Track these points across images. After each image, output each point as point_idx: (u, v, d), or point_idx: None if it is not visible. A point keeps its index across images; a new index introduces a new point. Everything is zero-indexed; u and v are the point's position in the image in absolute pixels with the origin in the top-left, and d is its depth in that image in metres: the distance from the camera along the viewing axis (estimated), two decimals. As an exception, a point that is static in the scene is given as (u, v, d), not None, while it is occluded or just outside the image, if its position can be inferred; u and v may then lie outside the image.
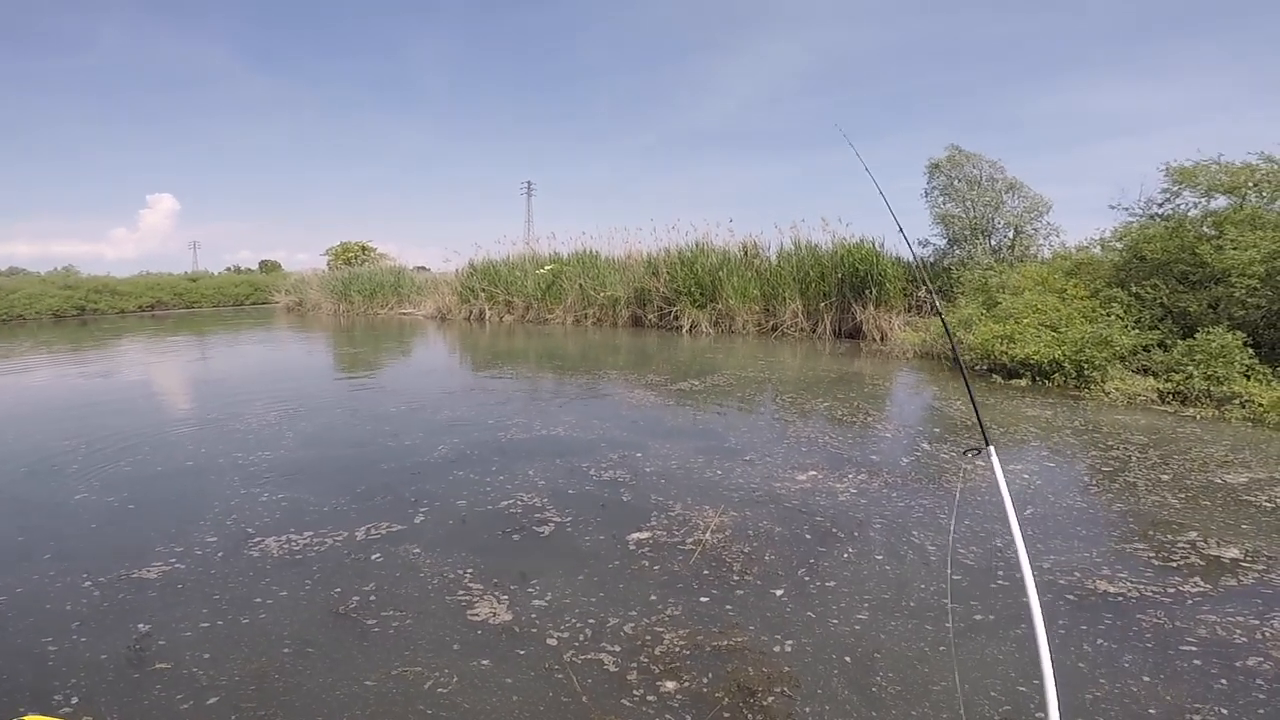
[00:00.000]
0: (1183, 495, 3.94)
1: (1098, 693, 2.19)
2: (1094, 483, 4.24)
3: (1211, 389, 6.50)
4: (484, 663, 2.35)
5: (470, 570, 3.06)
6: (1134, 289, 8.44)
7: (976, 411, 1.93)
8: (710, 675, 2.16)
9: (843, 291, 13.18)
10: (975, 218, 13.75)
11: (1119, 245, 10.01)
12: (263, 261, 44.49)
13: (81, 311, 23.25)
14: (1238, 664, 2.33)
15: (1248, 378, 6.58)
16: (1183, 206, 9.06)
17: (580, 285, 16.04)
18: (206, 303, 27.59)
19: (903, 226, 2.95)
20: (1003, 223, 13.89)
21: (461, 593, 2.83)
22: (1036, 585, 2.89)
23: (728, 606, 2.73)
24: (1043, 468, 4.61)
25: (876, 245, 13.34)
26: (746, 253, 14.33)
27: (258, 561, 3.20)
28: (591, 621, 2.62)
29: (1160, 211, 9.30)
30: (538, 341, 13.53)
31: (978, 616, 2.71)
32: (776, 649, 2.36)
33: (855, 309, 12.93)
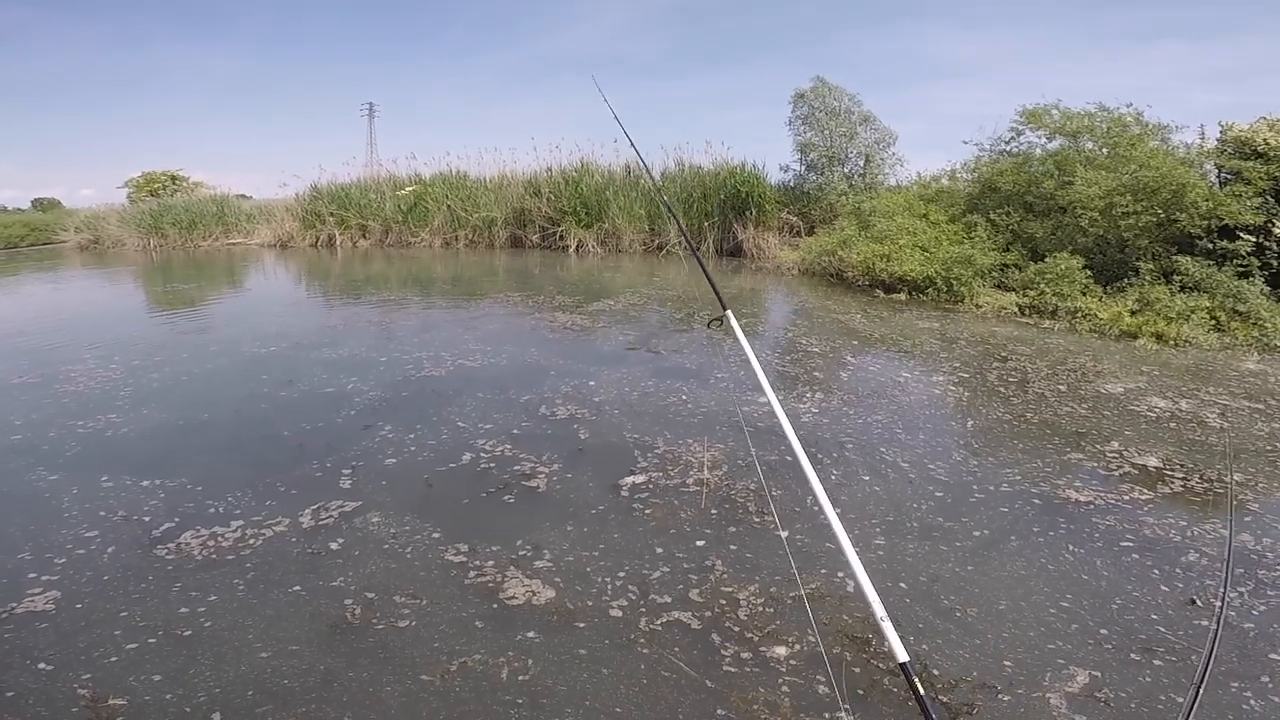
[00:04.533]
0: (1086, 406, 4.44)
1: (1121, 601, 2.37)
2: (1010, 394, 4.65)
3: (1059, 304, 7.44)
4: (552, 642, 2.07)
5: (464, 545, 2.66)
6: (990, 216, 9.33)
7: (712, 284, 2.22)
8: (810, 630, 2.05)
9: (724, 212, 13.35)
10: (832, 146, 14.36)
11: (968, 177, 11.05)
12: (36, 200, 35.90)
13: None
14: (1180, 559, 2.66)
15: (1085, 294, 7.61)
16: (1025, 145, 10.10)
17: (448, 207, 14.75)
18: (-34, 248, 21.78)
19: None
20: (855, 152, 14.65)
21: (473, 572, 2.45)
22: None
23: (764, 553, 2.62)
24: (960, 379, 4.99)
25: (758, 169, 13.60)
26: (630, 173, 13.94)
27: (174, 565, 2.54)
28: (631, 582, 2.39)
29: (1008, 148, 10.32)
30: (408, 266, 12.30)
31: (976, 533, 2.85)
32: (849, 588, 2.30)
33: (736, 229, 13.19)
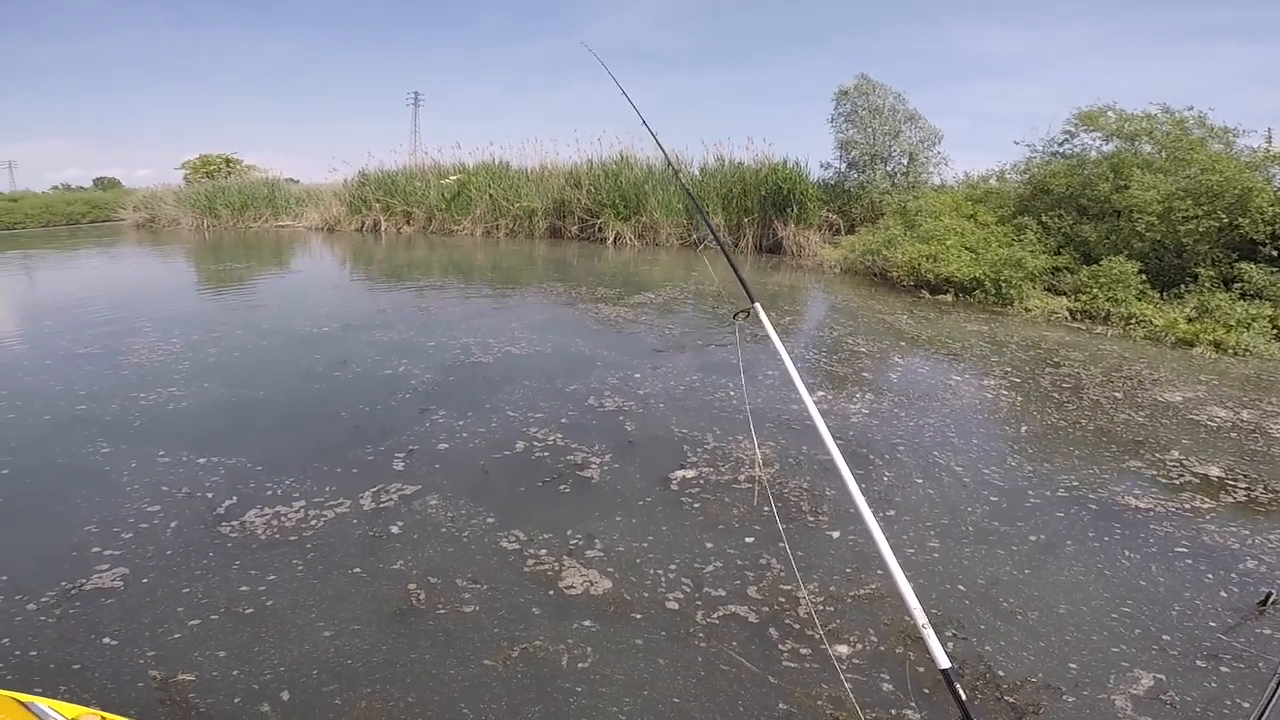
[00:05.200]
0: (1144, 413, 4.32)
1: (1180, 607, 2.33)
2: (1065, 400, 4.55)
3: (1112, 309, 7.23)
4: (609, 631, 2.11)
5: (520, 532, 2.71)
6: (1042, 218, 9.09)
7: (739, 275, 2.02)
8: (872, 629, 2.06)
9: (764, 208, 13.25)
10: (875, 144, 14.10)
11: (1018, 178, 10.80)
12: (98, 179, 37.73)
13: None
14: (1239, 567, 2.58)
15: (1140, 300, 7.37)
16: (1079, 147, 9.82)
17: (490, 196, 14.96)
18: (33, 223, 22.96)
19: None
20: (899, 150, 14.36)
21: (530, 560, 2.50)
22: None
23: (819, 551, 2.62)
24: (1012, 384, 4.88)
25: (800, 165, 13.47)
26: (670, 166, 13.91)
27: (235, 543, 2.60)
28: (685, 575, 2.42)
29: (1060, 150, 10.04)
30: (451, 253, 12.49)
31: (1032, 538, 2.81)
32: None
33: (776, 225, 13.07)
